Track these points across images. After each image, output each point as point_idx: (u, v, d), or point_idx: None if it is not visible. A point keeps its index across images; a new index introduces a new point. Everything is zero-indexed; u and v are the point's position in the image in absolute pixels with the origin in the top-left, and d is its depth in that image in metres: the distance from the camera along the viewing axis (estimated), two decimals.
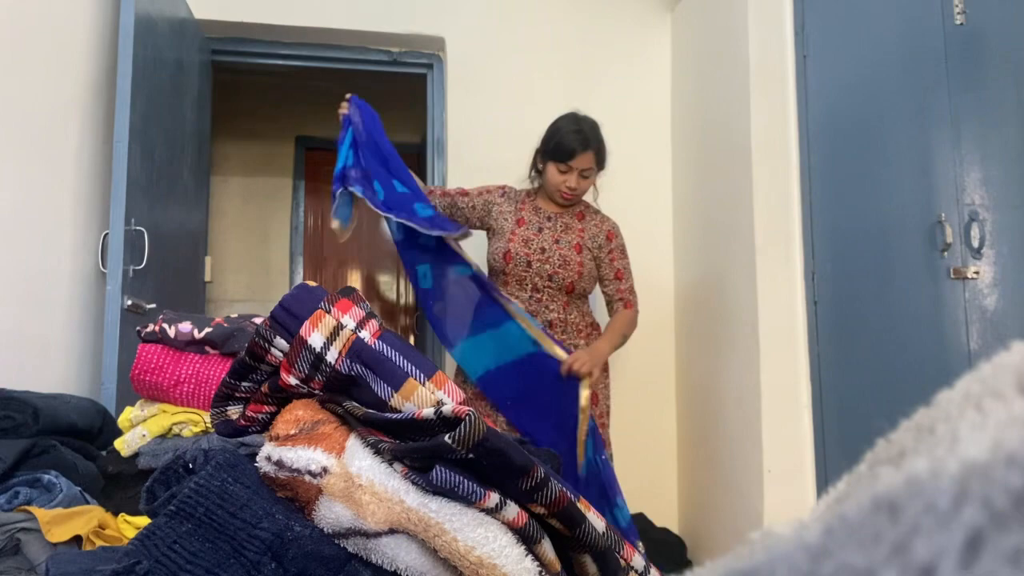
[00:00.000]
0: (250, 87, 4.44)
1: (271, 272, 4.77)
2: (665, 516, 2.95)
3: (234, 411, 0.81)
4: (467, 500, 0.66)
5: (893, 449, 0.22)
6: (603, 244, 2.34)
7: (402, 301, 5.12)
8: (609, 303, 2.36)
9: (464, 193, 2.40)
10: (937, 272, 2.24)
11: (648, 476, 2.94)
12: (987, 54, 2.28)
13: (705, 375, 2.85)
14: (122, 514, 1.23)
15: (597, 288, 2.39)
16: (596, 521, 0.76)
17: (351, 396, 0.74)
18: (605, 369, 2.32)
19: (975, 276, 2.20)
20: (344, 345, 0.73)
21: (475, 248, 2.38)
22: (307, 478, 0.69)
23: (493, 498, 0.67)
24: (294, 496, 0.71)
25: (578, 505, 0.72)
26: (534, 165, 2.39)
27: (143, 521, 1.03)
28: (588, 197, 2.40)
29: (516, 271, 2.27)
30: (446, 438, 0.64)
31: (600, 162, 2.31)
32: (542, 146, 2.33)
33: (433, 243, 2.25)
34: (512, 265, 2.27)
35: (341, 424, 0.76)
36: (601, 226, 2.36)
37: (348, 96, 2.48)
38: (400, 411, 0.72)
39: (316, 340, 0.73)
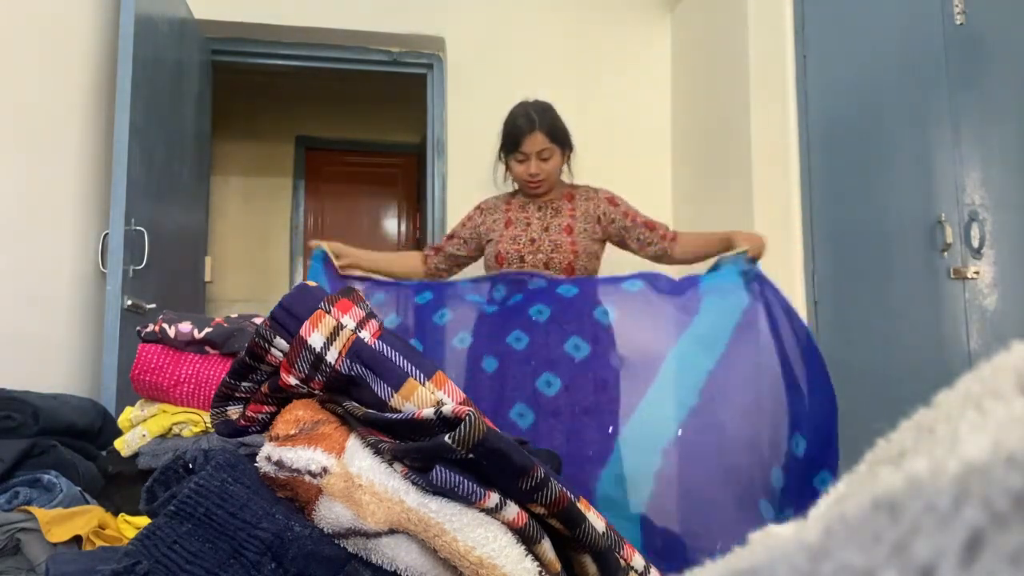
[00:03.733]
0: (250, 87, 4.44)
1: (271, 272, 4.77)
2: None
3: (234, 411, 0.81)
4: (467, 500, 0.66)
5: (893, 449, 0.22)
6: (610, 212, 2.23)
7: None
8: (659, 255, 2.22)
9: (451, 236, 2.34)
10: (937, 272, 2.24)
11: None
12: (987, 54, 2.28)
13: None
14: (122, 514, 1.23)
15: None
16: (596, 521, 0.76)
17: (351, 396, 0.74)
18: None
19: (975, 276, 2.20)
20: (344, 345, 0.73)
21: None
22: (307, 478, 0.69)
23: (493, 498, 0.67)
24: (294, 496, 0.71)
25: (578, 505, 0.72)
26: (507, 167, 2.35)
27: (143, 521, 1.03)
28: (565, 178, 2.37)
29: (511, 270, 2.25)
30: (446, 438, 0.64)
31: (558, 140, 2.21)
32: (500, 143, 2.28)
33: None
34: (506, 265, 2.25)
35: (341, 424, 0.76)
36: (595, 197, 2.27)
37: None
38: (400, 411, 0.72)
39: (316, 340, 0.73)
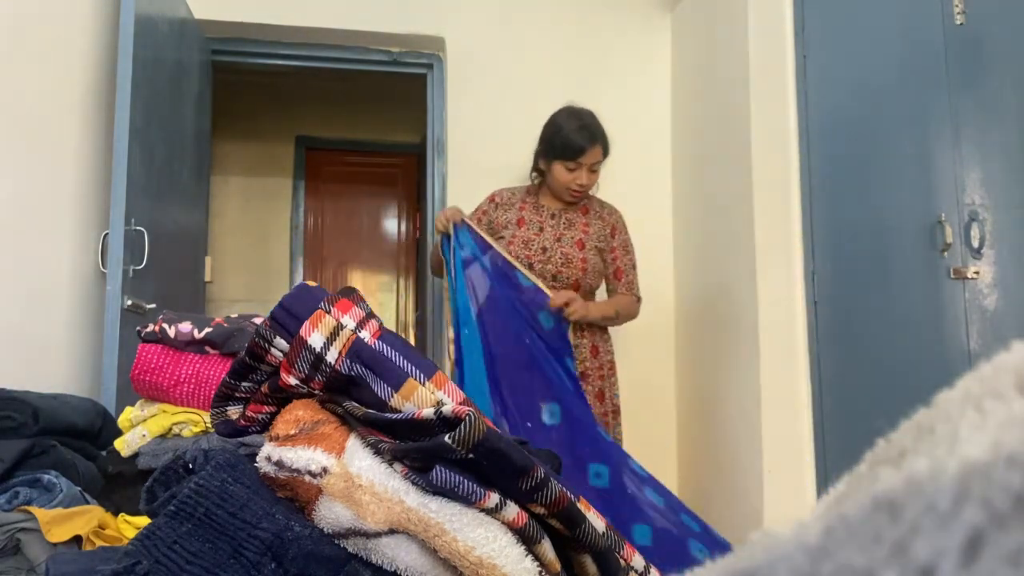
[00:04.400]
0: (250, 87, 4.44)
1: (271, 272, 4.77)
2: None
3: (234, 411, 0.81)
4: (467, 500, 0.66)
5: (893, 449, 0.22)
6: (607, 240, 2.32)
7: (402, 301, 5.12)
8: (610, 294, 2.38)
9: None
10: (937, 272, 2.24)
11: None
12: (987, 54, 2.28)
13: (705, 375, 2.85)
14: (122, 514, 1.23)
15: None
16: (596, 521, 0.76)
17: (351, 396, 0.74)
18: (612, 368, 2.32)
19: (975, 276, 2.20)
20: (344, 345, 0.73)
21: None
22: (307, 478, 0.69)
23: (493, 498, 0.67)
24: (294, 496, 0.71)
25: (578, 505, 0.72)
26: (535, 166, 2.36)
27: (143, 521, 1.03)
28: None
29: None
30: (446, 438, 0.64)
31: (607, 153, 2.27)
32: (544, 146, 2.28)
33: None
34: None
35: (341, 424, 0.76)
36: (607, 220, 2.34)
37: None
38: (400, 411, 0.72)
39: (316, 340, 0.73)
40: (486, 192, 2.51)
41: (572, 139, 2.20)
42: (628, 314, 2.34)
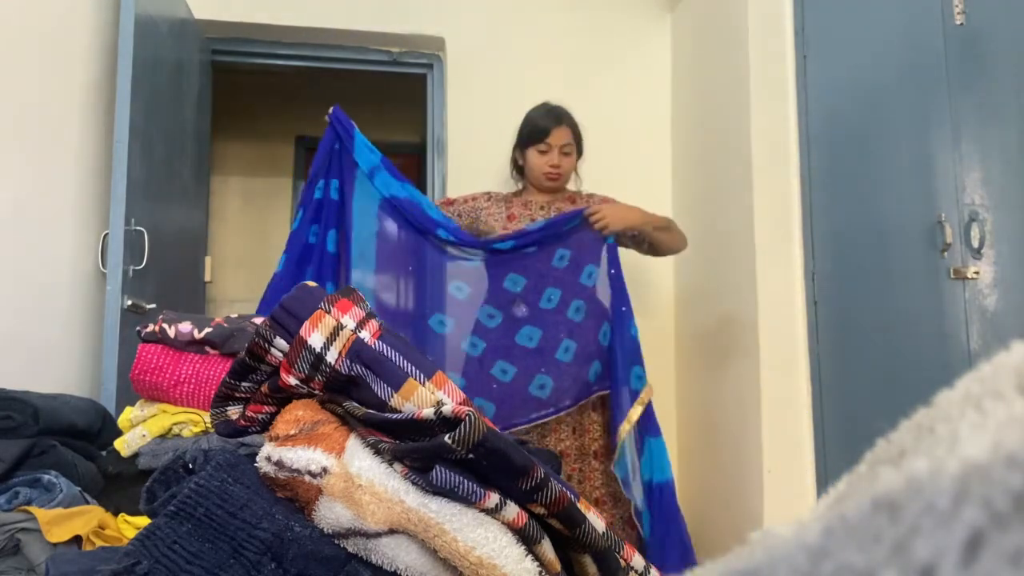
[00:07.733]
0: (250, 87, 4.44)
1: (271, 272, 4.76)
2: None
3: (234, 411, 0.81)
4: (467, 500, 0.66)
5: (893, 449, 0.22)
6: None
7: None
8: (650, 250, 2.36)
9: (449, 203, 2.39)
10: (937, 272, 2.24)
11: None
12: (987, 54, 2.28)
13: (705, 375, 2.85)
14: (122, 514, 1.23)
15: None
16: (596, 521, 0.76)
17: (351, 396, 0.74)
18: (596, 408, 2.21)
19: (975, 276, 2.20)
20: (344, 345, 0.73)
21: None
22: (307, 478, 0.69)
23: (493, 498, 0.67)
24: (294, 496, 0.71)
25: (578, 505, 0.72)
26: (514, 164, 2.41)
27: (143, 521, 1.02)
28: (571, 185, 2.41)
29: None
30: (446, 438, 0.64)
31: (578, 141, 2.33)
32: (517, 139, 2.37)
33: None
34: None
35: (341, 424, 0.76)
36: (592, 202, 2.34)
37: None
38: (400, 411, 0.72)
39: (316, 340, 0.73)
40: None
41: (538, 122, 2.30)
42: (680, 238, 2.33)
